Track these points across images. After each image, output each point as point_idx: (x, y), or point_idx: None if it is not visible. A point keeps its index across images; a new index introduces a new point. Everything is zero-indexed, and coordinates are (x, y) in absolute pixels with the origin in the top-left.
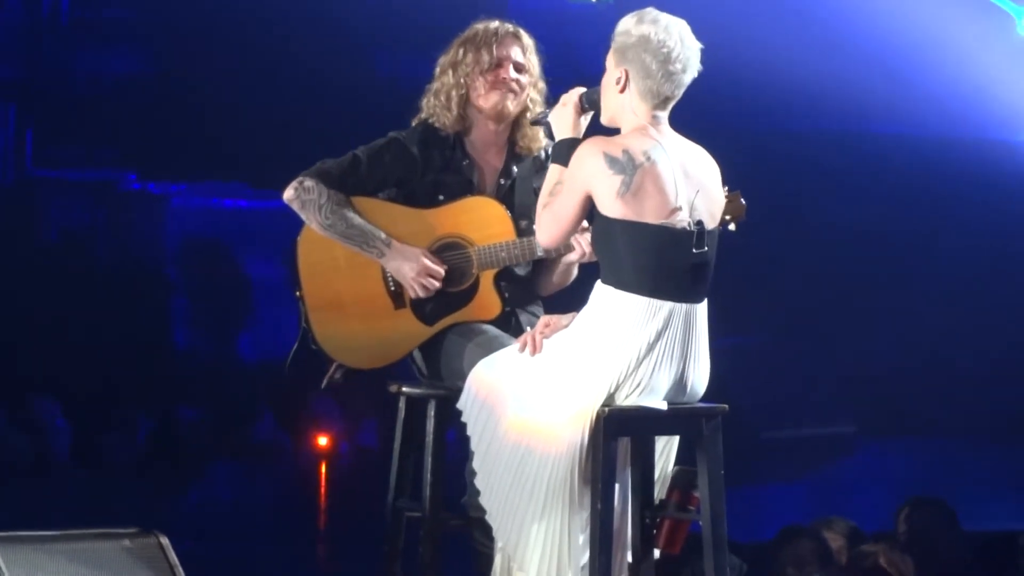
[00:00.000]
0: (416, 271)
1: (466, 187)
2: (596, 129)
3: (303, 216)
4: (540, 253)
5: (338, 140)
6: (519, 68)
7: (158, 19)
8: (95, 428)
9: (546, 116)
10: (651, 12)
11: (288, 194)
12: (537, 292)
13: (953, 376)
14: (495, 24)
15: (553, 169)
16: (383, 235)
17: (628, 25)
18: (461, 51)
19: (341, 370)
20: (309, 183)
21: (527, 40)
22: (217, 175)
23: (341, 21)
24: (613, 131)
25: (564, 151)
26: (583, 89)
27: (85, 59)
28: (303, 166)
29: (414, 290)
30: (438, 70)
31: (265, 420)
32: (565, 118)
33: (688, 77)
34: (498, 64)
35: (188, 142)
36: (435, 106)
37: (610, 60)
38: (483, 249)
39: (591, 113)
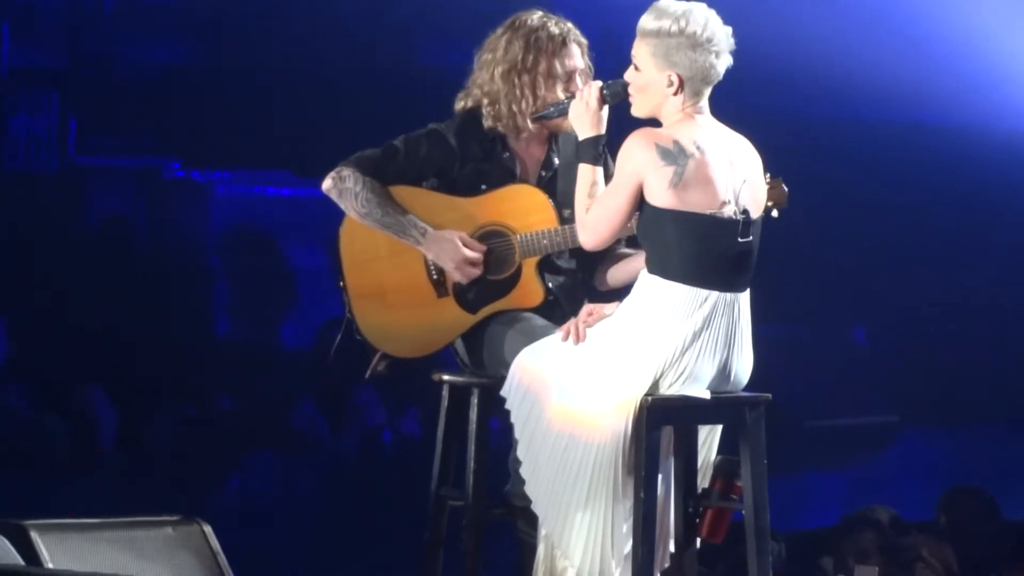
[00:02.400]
0: (456, 259)
1: (508, 177)
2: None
3: (341, 205)
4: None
5: (381, 129)
6: (582, 75)
7: (202, 6)
8: (138, 417)
9: (552, 113)
10: (671, 4)
11: (326, 184)
12: (595, 287)
13: (997, 365)
14: (553, 27)
15: (585, 169)
16: (419, 223)
17: (663, 24)
18: (531, 57)
19: (385, 361)
20: (346, 172)
21: (583, 41)
22: (260, 163)
23: (386, 9)
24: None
25: (591, 150)
26: (600, 83)
27: (128, 47)
28: (346, 154)
29: (456, 276)
30: (502, 73)
31: (308, 409)
32: (588, 115)
33: (728, 57)
34: (569, 78)
35: (231, 130)
36: (490, 114)
37: (648, 61)
38: (525, 237)
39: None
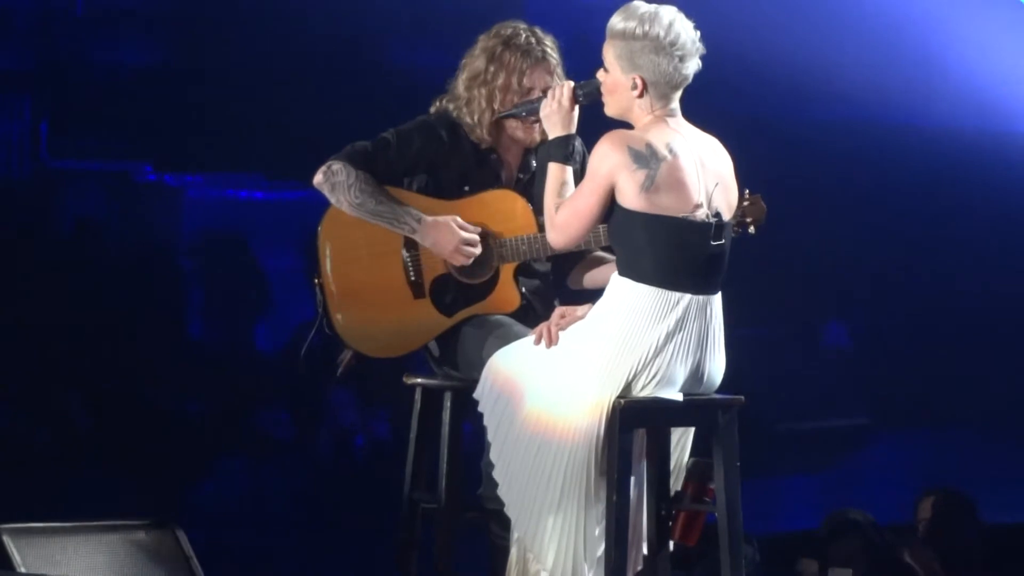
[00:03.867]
0: (453, 244)
1: (493, 179)
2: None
3: (332, 199)
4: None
5: (353, 130)
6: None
7: (173, 10)
8: (110, 419)
9: (519, 111)
10: (640, 6)
11: (317, 178)
12: (567, 286)
13: (969, 367)
14: (522, 41)
15: (555, 168)
16: (413, 211)
17: (628, 26)
18: (492, 69)
19: (355, 355)
20: (337, 166)
21: (555, 58)
22: (233, 166)
23: (356, 11)
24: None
25: (562, 149)
26: (572, 83)
27: (100, 50)
28: (318, 157)
29: (455, 261)
30: (465, 81)
31: (279, 411)
32: (559, 115)
33: (696, 61)
34: (527, 93)
35: (204, 133)
36: (467, 124)
37: (614, 63)
38: (504, 242)
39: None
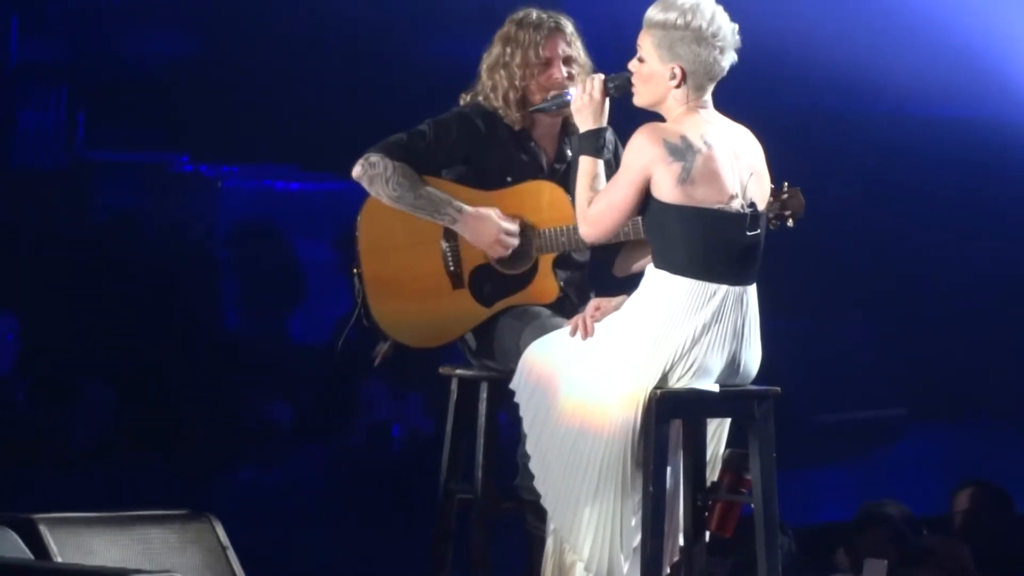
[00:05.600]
0: (493, 236)
1: (535, 167)
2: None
3: (372, 191)
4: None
5: (387, 121)
6: (568, 61)
7: (209, 1)
8: (147, 411)
9: (549, 106)
10: None
11: (356, 171)
12: (614, 274)
13: (1005, 358)
14: (534, 18)
15: (586, 161)
16: (455, 201)
17: (669, 16)
18: (508, 50)
19: (393, 345)
20: (375, 158)
21: (569, 28)
22: (268, 157)
23: (391, 2)
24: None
25: (593, 142)
26: (602, 76)
27: (136, 40)
28: (353, 148)
29: (493, 253)
30: (485, 69)
31: (315, 403)
32: (590, 108)
33: (733, 54)
34: (547, 64)
35: (239, 124)
36: (499, 107)
37: (652, 52)
38: (544, 232)
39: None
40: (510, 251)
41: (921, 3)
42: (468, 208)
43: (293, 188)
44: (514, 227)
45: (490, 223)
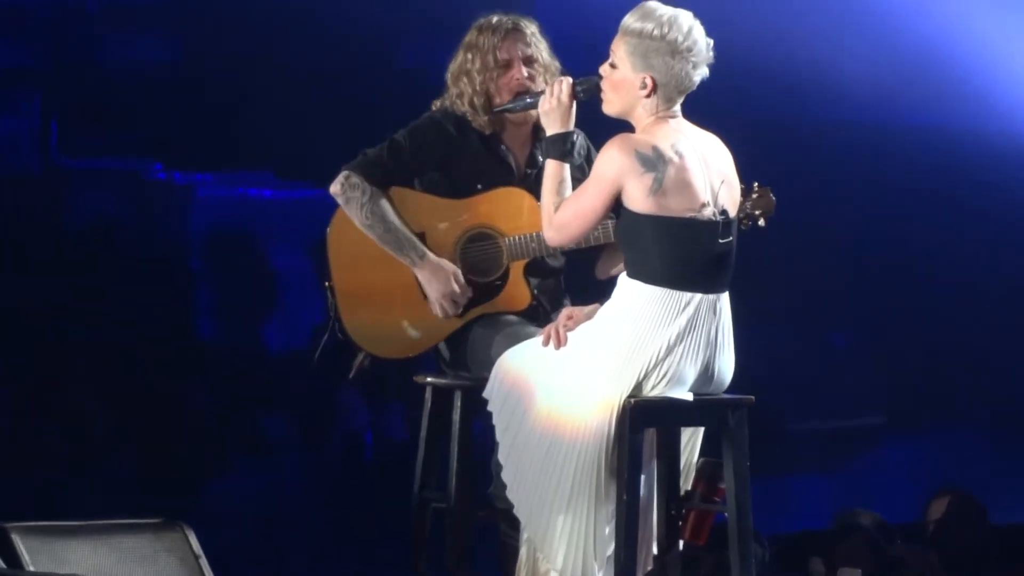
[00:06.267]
0: (443, 293)
1: (507, 174)
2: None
3: (346, 210)
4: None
5: (363, 129)
6: (529, 61)
7: (184, 8)
8: (120, 418)
9: (515, 107)
10: (658, 8)
11: (335, 188)
12: (596, 276)
13: (982, 367)
14: (493, 21)
15: (552, 166)
16: (419, 245)
17: (646, 26)
18: (470, 56)
19: (368, 357)
20: (355, 179)
21: (530, 29)
22: (242, 165)
23: (368, 11)
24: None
25: (559, 146)
26: (571, 79)
27: (111, 48)
28: (328, 156)
29: (435, 308)
30: (451, 76)
31: (290, 411)
32: (558, 111)
33: (705, 69)
34: (507, 66)
35: (213, 132)
36: (466, 112)
37: (625, 59)
38: (514, 240)
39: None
40: (452, 315)
41: (892, 9)
42: (431, 256)
43: (267, 195)
44: (465, 293)
45: (445, 279)
